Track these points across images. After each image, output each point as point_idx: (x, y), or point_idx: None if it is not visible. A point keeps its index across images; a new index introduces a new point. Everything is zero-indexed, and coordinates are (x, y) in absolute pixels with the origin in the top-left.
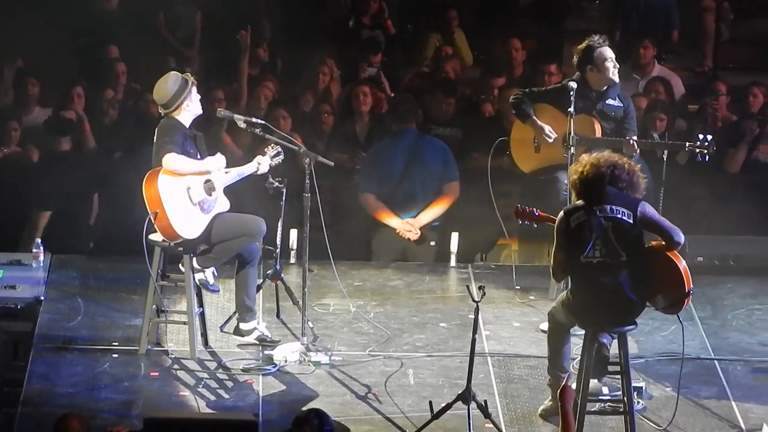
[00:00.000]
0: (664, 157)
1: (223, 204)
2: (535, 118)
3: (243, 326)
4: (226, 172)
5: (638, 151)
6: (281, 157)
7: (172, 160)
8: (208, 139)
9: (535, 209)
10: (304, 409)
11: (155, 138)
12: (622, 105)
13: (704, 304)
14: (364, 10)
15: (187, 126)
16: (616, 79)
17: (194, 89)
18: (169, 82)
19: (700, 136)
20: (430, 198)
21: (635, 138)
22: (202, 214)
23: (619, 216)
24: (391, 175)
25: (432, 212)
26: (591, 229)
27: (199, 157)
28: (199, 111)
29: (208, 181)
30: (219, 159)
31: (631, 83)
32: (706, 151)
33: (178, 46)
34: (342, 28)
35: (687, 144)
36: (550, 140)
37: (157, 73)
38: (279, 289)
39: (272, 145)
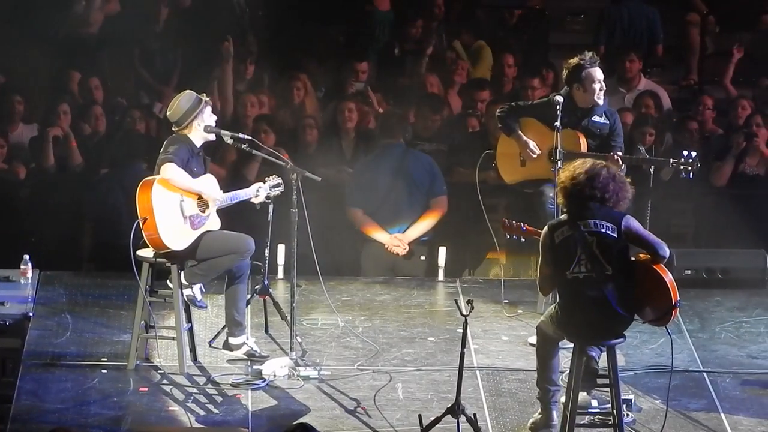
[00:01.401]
0: (651, 170)
1: (214, 222)
2: (519, 132)
3: (232, 341)
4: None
5: (623, 166)
6: (281, 189)
7: (170, 169)
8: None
9: (522, 223)
10: (293, 423)
11: (162, 148)
12: (608, 122)
13: (692, 317)
14: (407, 35)
15: (198, 145)
16: (600, 102)
17: (207, 109)
18: (182, 100)
19: (684, 153)
20: (418, 212)
21: (620, 153)
22: (191, 228)
23: (603, 230)
24: (378, 190)
25: (420, 227)
26: (576, 244)
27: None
28: (210, 136)
29: (201, 198)
30: (212, 183)
31: (618, 97)
32: (690, 168)
33: (153, 81)
34: (387, 53)
35: (671, 161)
36: (534, 156)
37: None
38: (267, 305)
39: (274, 175)
